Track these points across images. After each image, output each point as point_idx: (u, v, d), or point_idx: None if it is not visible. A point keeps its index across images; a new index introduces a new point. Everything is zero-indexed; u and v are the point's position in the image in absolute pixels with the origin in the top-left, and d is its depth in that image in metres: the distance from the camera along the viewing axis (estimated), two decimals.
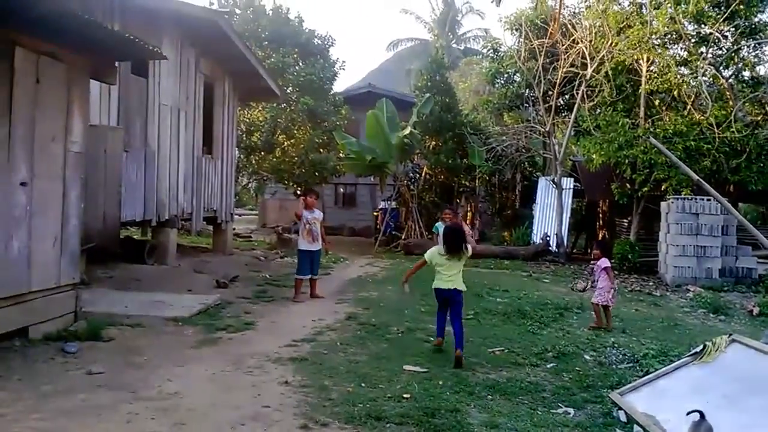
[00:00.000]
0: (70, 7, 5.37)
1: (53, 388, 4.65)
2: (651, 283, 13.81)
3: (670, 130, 14.60)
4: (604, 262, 8.52)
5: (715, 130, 14.03)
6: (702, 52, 14.97)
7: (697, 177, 7.74)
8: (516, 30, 18.52)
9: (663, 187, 14.77)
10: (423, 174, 20.70)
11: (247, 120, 20.98)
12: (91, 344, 5.86)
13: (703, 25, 15.00)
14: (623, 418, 4.71)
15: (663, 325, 8.96)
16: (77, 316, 6.34)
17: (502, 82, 20.69)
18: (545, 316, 8.64)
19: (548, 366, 6.10)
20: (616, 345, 7.09)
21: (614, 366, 6.25)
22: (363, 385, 5.07)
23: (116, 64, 7.06)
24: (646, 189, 15.20)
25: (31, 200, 5.60)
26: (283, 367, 5.49)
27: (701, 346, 5.39)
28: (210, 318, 7.56)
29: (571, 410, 4.85)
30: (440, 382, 5.25)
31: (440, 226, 9.66)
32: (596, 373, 5.94)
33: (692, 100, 15.18)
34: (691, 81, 15.27)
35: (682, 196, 14.10)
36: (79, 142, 6.28)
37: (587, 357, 6.54)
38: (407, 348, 6.41)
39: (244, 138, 20.34)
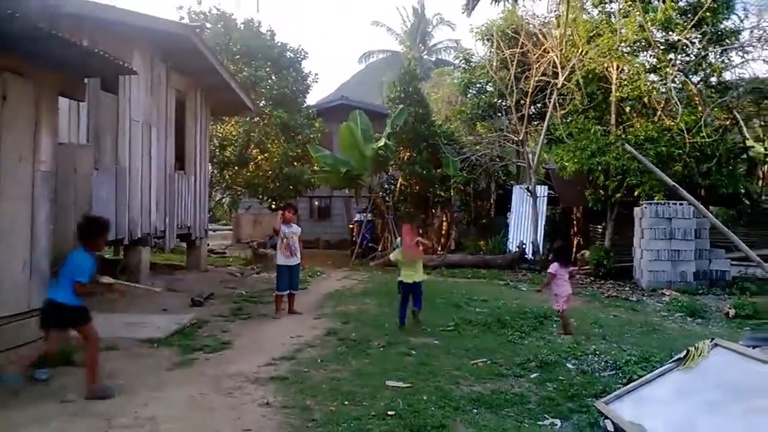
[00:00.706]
0: (36, 23, 5.24)
1: (25, 417, 4.47)
2: (627, 288, 13.90)
3: (642, 136, 14.78)
4: (552, 267, 8.59)
5: (686, 135, 14.23)
6: (671, 59, 15.21)
7: (673, 182, 7.81)
8: (487, 40, 18.65)
9: (636, 193, 14.91)
10: (398, 185, 20.66)
11: (221, 134, 20.78)
12: (63, 370, 5.66)
13: (671, 33, 15.25)
14: (610, 427, 4.67)
15: (642, 330, 8.98)
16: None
17: (475, 92, 20.81)
18: (525, 325, 8.61)
19: (532, 376, 6.06)
20: (597, 352, 7.07)
21: (597, 374, 6.23)
22: (346, 403, 4.97)
23: (85, 80, 6.89)
24: (619, 195, 15.33)
25: None
26: (263, 387, 5.36)
27: (684, 352, 5.38)
28: (186, 338, 7.40)
29: (557, 421, 4.81)
30: (424, 397, 5.17)
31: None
32: (580, 381, 5.91)
33: (662, 106, 15.41)
34: (660, 87, 15.51)
35: (655, 201, 14.25)
36: (48, 161, 6.12)
37: (570, 366, 6.51)
38: (389, 363, 6.32)
39: (218, 153, 20.14)
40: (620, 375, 6.14)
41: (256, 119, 19.90)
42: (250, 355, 6.63)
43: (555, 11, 18.00)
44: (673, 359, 5.56)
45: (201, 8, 21.69)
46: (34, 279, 5.91)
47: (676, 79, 15.31)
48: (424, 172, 19.49)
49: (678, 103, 14.72)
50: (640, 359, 6.64)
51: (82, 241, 5.40)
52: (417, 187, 20.36)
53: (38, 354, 5.23)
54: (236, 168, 20.28)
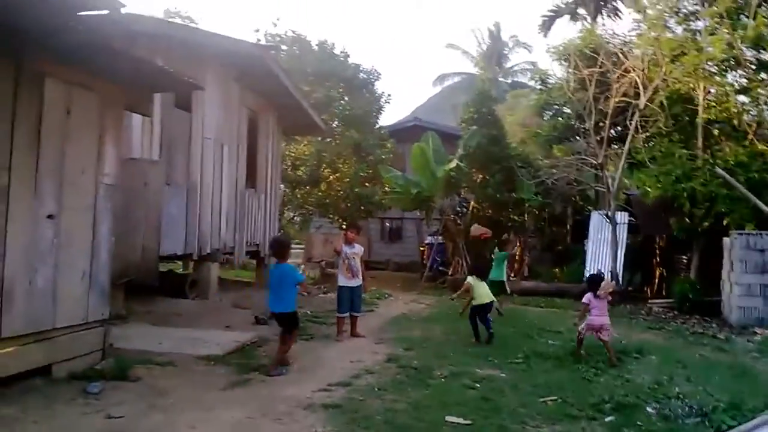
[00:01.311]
0: (102, 38, 5.25)
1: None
2: (714, 325, 12.90)
3: (732, 161, 13.84)
4: (585, 298, 8.44)
5: None
6: (763, 79, 14.23)
7: None
8: (564, 60, 18.04)
9: (725, 222, 13.94)
10: (470, 208, 20.21)
11: (293, 154, 20.97)
12: (117, 384, 5.58)
13: (762, 51, 14.28)
14: None
15: (730, 372, 8.20)
16: (105, 353, 6.09)
17: (551, 113, 20.14)
18: (601, 361, 8.00)
19: (606, 420, 5.51)
20: (681, 395, 6.44)
21: (680, 420, 5.61)
22: None
23: (153, 95, 6.93)
24: (706, 224, 14.39)
25: (59, 233, 5.42)
26: (314, 415, 5.08)
27: None
28: (244, 357, 7.25)
29: None
30: None
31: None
32: (661, 428, 5.33)
33: (754, 129, 14.40)
34: (751, 109, 14.52)
35: (746, 231, 13.25)
36: (112, 174, 6.12)
37: (650, 410, 5.91)
38: (450, 395, 5.91)
39: (290, 172, 20.30)
40: (707, 424, 5.51)
41: (328, 139, 19.97)
42: (307, 378, 6.39)
43: (636, 29, 17.25)
44: None
45: (277, 30, 22.14)
46: (93, 291, 5.88)
47: None
48: (497, 195, 18.98)
49: None
50: (729, 406, 5.98)
51: (278, 256, 7.25)
52: (489, 211, 19.85)
53: (281, 352, 6.88)
54: (308, 187, 20.38)
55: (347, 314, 9.03)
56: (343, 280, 9.07)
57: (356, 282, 9.08)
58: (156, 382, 5.81)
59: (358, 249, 9.20)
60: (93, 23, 5.26)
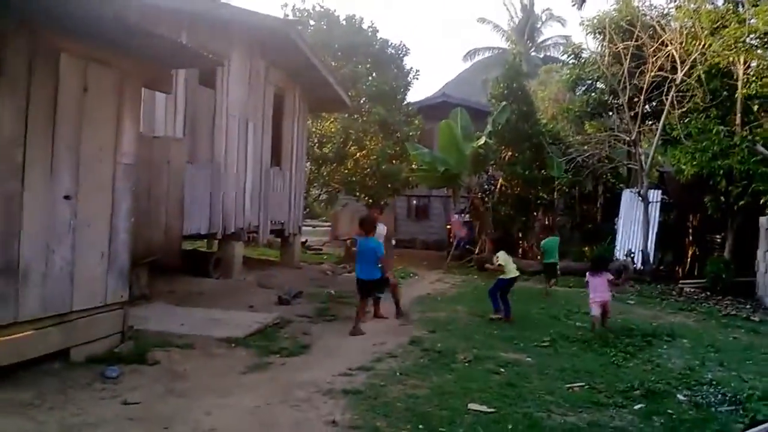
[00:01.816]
0: (121, 12, 5.11)
1: (81, 419, 4.30)
2: (748, 307, 12.52)
3: None
4: (587, 276, 8.93)
5: None
6: None
7: None
8: (599, 33, 17.47)
9: (762, 201, 13.46)
10: (498, 186, 19.87)
11: (319, 131, 20.79)
12: (135, 368, 5.53)
13: None
14: None
15: (766, 356, 7.91)
16: (124, 336, 6.04)
17: (584, 89, 19.59)
18: (631, 345, 7.77)
19: (636, 407, 5.31)
20: (714, 382, 6.21)
21: (713, 408, 5.40)
22: (420, 427, 4.48)
23: (172, 72, 6.79)
24: (742, 202, 13.92)
25: (76, 214, 5.34)
26: (333, 401, 4.96)
27: None
28: (265, 339, 7.18)
29: None
30: (509, 426, 4.60)
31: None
32: (692, 417, 5.12)
33: None
34: None
35: None
36: (131, 153, 6.01)
37: (681, 397, 5.70)
38: (474, 381, 5.74)
39: (315, 149, 20.15)
40: (741, 412, 5.30)
41: (354, 116, 19.73)
42: (327, 361, 6.28)
43: (675, 1, 16.61)
44: None
45: (305, 5, 21.85)
46: (112, 272, 5.82)
47: None
48: (526, 172, 18.60)
49: None
50: (765, 394, 5.74)
51: (366, 231, 8.11)
52: (518, 189, 19.48)
53: (358, 312, 7.94)
54: (334, 165, 20.21)
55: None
56: None
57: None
58: (174, 365, 5.76)
59: (381, 229, 9.00)
60: None
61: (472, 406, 5.01)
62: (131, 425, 4.26)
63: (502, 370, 6.22)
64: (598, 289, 8.61)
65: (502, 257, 9.31)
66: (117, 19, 4.98)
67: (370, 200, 20.54)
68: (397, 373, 5.87)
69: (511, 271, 9.22)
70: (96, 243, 5.62)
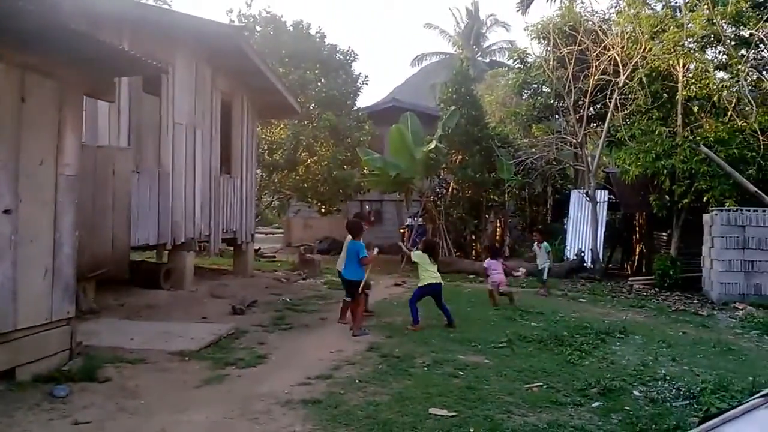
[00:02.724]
0: (59, 20, 4.91)
1: None
2: (696, 302, 12.95)
3: (711, 138, 13.81)
4: (486, 263, 11.52)
5: (760, 136, 13.21)
6: (743, 55, 14.17)
7: (754, 188, 7.00)
8: (543, 38, 17.83)
9: (705, 198, 13.92)
10: (450, 189, 20.03)
11: (269, 138, 20.58)
12: (85, 386, 5.30)
13: (743, 27, 14.20)
14: None
15: (715, 350, 8.16)
16: (72, 353, 5.80)
17: (530, 92, 19.99)
18: (585, 343, 7.88)
19: (593, 405, 5.38)
20: (667, 377, 6.34)
21: (669, 403, 5.51)
22: None
23: (115, 80, 6.58)
24: (686, 200, 14.37)
25: (17, 229, 5.09)
26: (293, 411, 4.87)
27: None
28: (220, 350, 7.00)
29: None
30: (471, 429, 4.59)
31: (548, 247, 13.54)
32: (649, 413, 5.20)
33: (733, 105, 14.35)
34: (732, 86, 14.44)
35: (726, 207, 13.24)
36: (73, 164, 5.78)
37: (637, 393, 5.80)
38: (434, 385, 5.72)
39: (266, 156, 19.93)
40: (695, 406, 5.41)
41: (305, 122, 19.61)
42: (285, 371, 6.17)
43: (615, 6, 17.09)
44: (762, 393, 4.84)
45: (251, 11, 21.64)
46: (57, 287, 5.57)
47: (748, 77, 14.22)
48: (477, 175, 18.80)
49: (751, 102, 13.68)
50: (716, 387, 5.89)
51: (352, 235, 8.70)
52: (469, 192, 19.68)
53: (357, 315, 8.33)
54: (285, 171, 20.03)
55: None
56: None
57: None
58: (126, 381, 5.55)
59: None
60: (50, 3, 4.93)
61: (433, 410, 4.98)
62: None
63: (461, 373, 6.22)
64: (496, 271, 11.12)
65: (415, 255, 9.09)
66: (56, 27, 4.79)
67: (322, 206, 20.43)
68: (357, 381, 5.81)
69: (426, 278, 8.83)
70: (39, 258, 5.38)
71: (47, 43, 5.21)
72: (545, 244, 13.41)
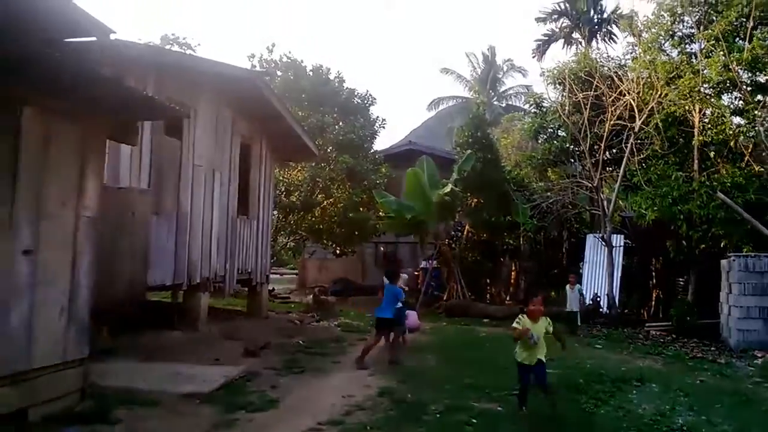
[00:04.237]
0: (86, 66, 5.08)
1: None
2: (713, 349, 12.71)
3: (728, 183, 13.75)
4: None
5: None
6: (759, 100, 14.19)
7: None
8: (559, 83, 18.02)
9: (722, 244, 13.80)
10: (465, 232, 20.02)
11: (286, 180, 20.81)
12: (96, 428, 5.31)
13: (758, 73, 14.28)
14: None
15: (733, 399, 7.99)
16: (84, 394, 5.83)
17: (546, 137, 20.09)
18: (601, 391, 7.77)
19: None
20: (684, 428, 6.22)
21: None
22: None
23: (138, 124, 6.75)
24: (703, 246, 14.25)
25: (35, 269, 5.18)
26: None
27: None
28: (232, 394, 6.98)
29: None
30: None
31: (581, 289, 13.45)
32: None
33: (750, 150, 14.33)
34: (748, 131, 14.44)
35: (744, 253, 13.10)
36: (94, 206, 5.90)
37: None
38: None
39: (283, 198, 20.12)
40: None
41: (322, 164, 19.82)
42: (296, 416, 6.14)
43: (631, 53, 17.27)
44: None
45: (272, 56, 22.10)
46: (72, 328, 5.63)
47: (765, 122, 14.23)
48: (492, 219, 18.81)
49: None
50: None
51: (390, 280, 9.78)
52: (484, 235, 19.68)
53: (369, 346, 9.36)
54: (301, 213, 20.18)
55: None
56: None
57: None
58: (137, 424, 5.55)
59: (404, 278, 10.82)
60: (77, 50, 5.10)
61: None
62: None
63: (474, 421, 6.14)
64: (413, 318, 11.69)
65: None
66: (86, 74, 4.96)
67: (337, 248, 20.49)
68: (368, 428, 5.76)
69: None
70: (56, 299, 5.46)
71: (73, 89, 5.37)
72: (578, 286, 13.27)
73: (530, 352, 6.36)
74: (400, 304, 9.66)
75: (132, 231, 8.88)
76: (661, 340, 13.59)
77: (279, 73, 21.48)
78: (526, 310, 6.42)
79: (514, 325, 6.38)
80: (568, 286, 13.64)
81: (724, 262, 13.50)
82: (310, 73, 21.42)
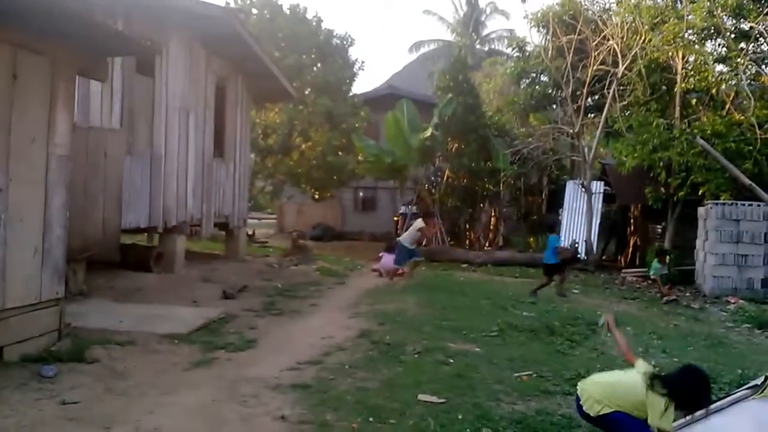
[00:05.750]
0: None
1: (16, 420, 4.07)
2: (688, 294, 12.98)
3: (708, 131, 13.76)
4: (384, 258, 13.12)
5: (757, 130, 13.19)
6: (742, 48, 14.11)
7: (749, 181, 6.98)
8: (543, 27, 17.72)
9: (700, 192, 13.91)
10: (445, 178, 19.98)
11: (263, 122, 20.46)
12: (73, 367, 5.26)
13: (743, 20, 14.16)
14: None
15: (706, 342, 8.21)
16: (61, 334, 5.76)
17: (528, 81, 19.86)
18: (576, 333, 7.89)
19: None
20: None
21: None
22: (371, 419, 4.42)
23: (107, 59, 6.49)
24: (682, 193, 14.36)
25: (7, 208, 5.03)
26: (282, 396, 4.85)
27: (762, 378, 4.68)
28: (210, 334, 6.97)
29: None
30: (460, 416, 4.58)
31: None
32: None
33: (732, 98, 14.33)
34: (730, 79, 14.41)
35: (722, 201, 13.24)
36: (65, 144, 5.71)
37: None
38: (423, 372, 5.71)
39: (260, 140, 19.82)
40: None
41: (300, 107, 19.49)
42: (275, 356, 6.14)
43: None
44: (748, 385, 4.85)
45: None
46: (47, 268, 5.52)
47: (747, 70, 14.18)
48: (473, 164, 18.77)
49: (749, 95, 13.66)
50: None
51: (550, 231, 12.63)
52: (464, 180, 19.66)
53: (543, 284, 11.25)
54: (279, 156, 19.94)
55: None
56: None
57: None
58: (115, 363, 5.52)
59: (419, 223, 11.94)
60: None
61: (422, 396, 4.97)
62: (70, 426, 4.05)
63: (451, 360, 6.20)
64: (387, 260, 12.73)
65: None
66: (53, 7, 4.71)
67: (316, 192, 20.38)
68: (347, 367, 5.79)
69: None
70: (29, 238, 5.33)
71: (39, 21, 5.12)
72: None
73: None
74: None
75: (105, 172, 8.70)
76: (637, 286, 13.84)
77: (254, 11, 20.84)
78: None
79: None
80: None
81: (701, 209, 13.65)
82: (287, 12, 20.83)
